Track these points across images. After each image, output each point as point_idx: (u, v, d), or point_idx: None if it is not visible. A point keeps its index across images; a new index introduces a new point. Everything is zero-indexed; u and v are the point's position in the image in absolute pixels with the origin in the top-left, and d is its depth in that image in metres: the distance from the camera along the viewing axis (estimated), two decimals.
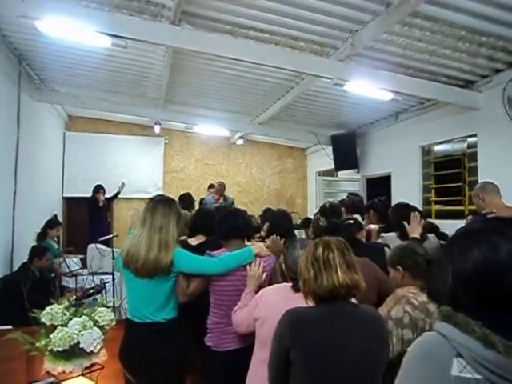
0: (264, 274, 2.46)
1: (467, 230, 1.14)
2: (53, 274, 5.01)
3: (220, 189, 7.13)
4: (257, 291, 2.33)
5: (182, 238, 3.22)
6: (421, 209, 4.80)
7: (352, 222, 3.36)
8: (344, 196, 5.19)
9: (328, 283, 1.62)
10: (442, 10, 3.79)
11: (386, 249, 3.00)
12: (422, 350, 1.04)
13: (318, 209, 5.42)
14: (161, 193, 8.71)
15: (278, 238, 3.01)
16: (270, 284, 2.47)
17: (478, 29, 4.06)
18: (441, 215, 6.06)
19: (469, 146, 5.67)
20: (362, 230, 3.43)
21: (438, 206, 6.24)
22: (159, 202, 2.42)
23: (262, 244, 2.77)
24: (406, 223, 3.05)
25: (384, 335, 1.70)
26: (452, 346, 0.98)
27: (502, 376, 0.92)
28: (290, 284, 2.12)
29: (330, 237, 1.78)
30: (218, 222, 2.76)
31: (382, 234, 3.19)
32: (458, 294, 1.04)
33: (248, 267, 2.45)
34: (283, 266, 2.23)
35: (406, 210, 3.20)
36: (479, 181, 4.55)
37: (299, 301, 1.78)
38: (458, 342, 0.97)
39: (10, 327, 3.03)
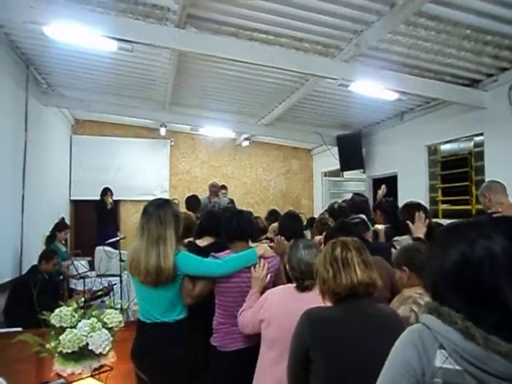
0: (268, 276, 2.47)
1: (450, 227, 1.17)
2: (61, 277, 5.05)
3: (214, 190, 7.11)
4: (262, 292, 2.35)
5: (190, 239, 3.24)
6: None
7: (359, 221, 3.35)
8: (350, 196, 5.18)
9: (347, 281, 1.64)
10: (446, 10, 3.79)
11: (393, 249, 2.99)
12: (407, 341, 1.07)
13: (323, 209, 5.43)
14: (167, 195, 8.78)
15: (283, 238, 3.03)
16: (274, 285, 2.48)
17: (483, 27, 4.04)
18: (448, 215, 6.03)
19: (475, 145, 5.65)
20: (368, 231, 3.43)
21: (444, 206, 6.21)
22: (154, 207, 2.41)
23: (266, 245, 2.78)
24: (409, 223, 3.03)
25: (402, 332, 1.70)
26: (435, 337, 1.01)
27: (480, 368, 0.94)
28: (294, 285, 2.14)
29: (347, 237, 1.80)
30: (221, 224, 2.77)
31: (397, 238, 3.16)
32: (439, 289, 1.07)
33: (252, 269, 2.46)
34: (287, 266, 2.24)
35: (414, 209, 3.18)
36: (486, 180, 4.52)
37: (304, 301, 1.79)
38: (440, 333, 1.00)
39: (19, 329, 3.06)
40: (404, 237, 3.09)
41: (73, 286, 5.16)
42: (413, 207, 3.23)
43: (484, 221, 1.13)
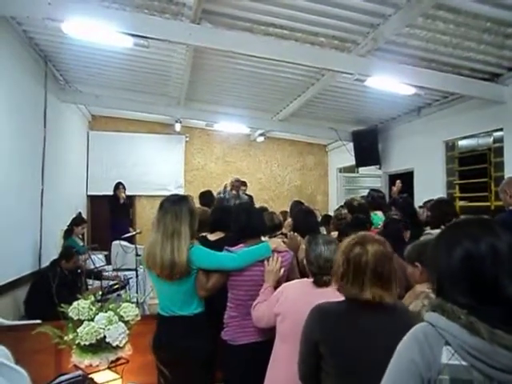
0: (282, 270, 2.48)
1: (455, 224, 1.18)
2: (79, 270, 5.12)
3: (237, 185, 7.16)
4: (275, 286, 2.35)
5: (203, 234, 3.27)
6: None
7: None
8: (365, 192, 5.14)
9: (352, 292, 1.62)
10: (465, 1, 3.70)
11: None
12: (411, 339, 1.07)
13: (338, 205, 5.39)
14: (182, 190, 8.84)
15: (296, 234, 3.02)
16: (287, 279, 2.48)
17: (504, 20, 3.94)
18: (466, 211, 5.93)
19: (495, 141, 5.54)
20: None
21: (462, 202, 6.11)
22: (171, 203, 2.45)
23: (279, 239, 2.80)
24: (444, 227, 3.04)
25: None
26: (440, 334, 1.01)
27: (487, 362, 0.94)
28: (311, 279, 2.13)
29: (374, 238, 1.70)
30: (232, 221, 2.78)
31: (429, 231, 3.14)
32: (443, 285, 1.08)
33: (266, 262, 2.47)
34: (304, 261, 2.23)
35: (448, 207, 3.20)
36: (506, 176, 4.43)
37: (320, 296, 1.78)
38: (445, 330, 1.00)
39: (39, 321, 3.13)
40: (437, 230, 3.06)
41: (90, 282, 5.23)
42: (447, 205, 3.24)
43: (491, 218, 1.13)
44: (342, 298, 1.71)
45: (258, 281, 2.46)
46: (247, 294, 2.47)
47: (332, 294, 1.78)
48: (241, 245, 2.61)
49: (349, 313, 1.63)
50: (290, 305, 2.06)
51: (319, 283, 2.07)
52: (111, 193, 8.09)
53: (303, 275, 2.48)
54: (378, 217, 4.19)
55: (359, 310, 1.63)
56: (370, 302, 1.59)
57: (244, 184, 7.87)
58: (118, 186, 8.04)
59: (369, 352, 1.55)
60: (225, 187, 7.08)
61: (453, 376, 0.98)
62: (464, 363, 0.97)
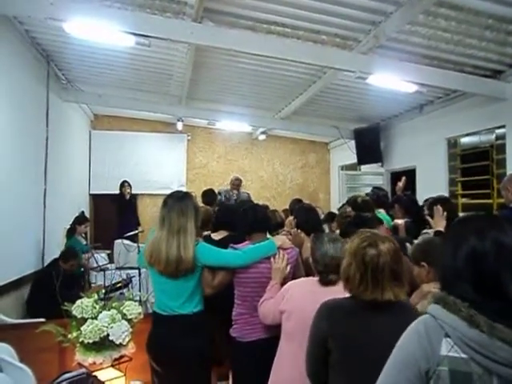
0: (288, 267, 2.49)
1: (462, 219, 1.20)
2: (82, 269, 5.15)
3: (237, 183, 7.22)
4: (282, 284, 2.36)
5: (206, 233, 3.28)
6: None
7: (369, 216, 3.33)
8: (367, 190, 5.13)
9: (372, 296, 1.61)
10: None
11: (408, 244, 2.96)
12: (412, 331, 1.08)
13: (341, 203, 5.39)
14: (184, 189, 8.84)
15: (299, 230, 3.04)
16: (294, 276, 2.49)
17: (506, 16, 3.93)
18: (468, 209, 5.93)
19: (497, 138, 5.52)
20: (381, 224, 3.39)
21: (464, 200, 6.11)
22: (175, 199, 2.45)
23: (284, 237, 2.81)
24: (429, 218, 3.02)
25: None
26: (440, 326, 1.02)
27: (486, 355, 0.95)
28: (317, 278, 2.13)
29: (382, 236, 1.68)
30: (238, 218, 2.80)
31: (426, 230, 3.13)
32: (447, 278, 1.09)
33: (272, 260, 2.48)
34: (310, 259, 2.24)
35: (446, 205, 3.17)
36: (508, 173, 4.43)
37: (326, 295, 1.79)
38: (445, 322, 1.01)
39: (43, 320, 3.15)
40: (432, 230, 3.05)
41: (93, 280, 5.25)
42: (434, 202, 3.22)
43: (499, 215, 1.15)
44: (347, 295, 1.71)
45: (263, 278, 2.48)
46: (254, 290, 2.49)
47: (337, 293, 1.79)
48: (246, 242, 2.62)
49: (358, 310, 1.63)
50: (295, 303, 2.07)
51: (325, 282, 2.07)
52: (114, 192, 8.18)
53: (307, 274, 2.49)
54: (382, 215, 4.18)
55: (368, 307, 1.63)
56: (390, 302, 1.58)
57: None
58: (124, 183, 8.20)
59: (378, 350, 1.55)
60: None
61: (452, 368, 0.99)
62: (463, 355, 0.98)
